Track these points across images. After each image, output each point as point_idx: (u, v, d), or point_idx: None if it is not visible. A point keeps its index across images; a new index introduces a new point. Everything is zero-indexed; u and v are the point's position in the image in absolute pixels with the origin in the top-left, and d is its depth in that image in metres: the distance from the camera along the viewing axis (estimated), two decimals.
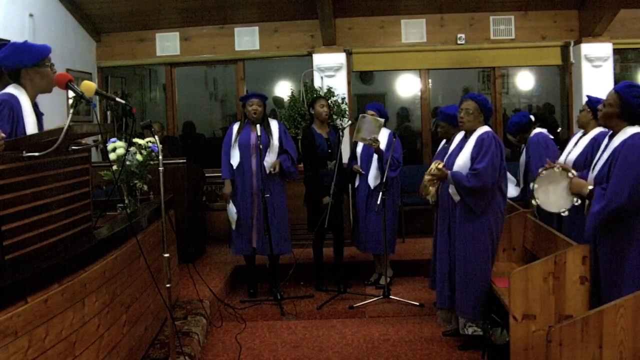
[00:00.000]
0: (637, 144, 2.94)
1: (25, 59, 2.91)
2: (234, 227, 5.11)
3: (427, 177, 4.00)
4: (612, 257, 3.08)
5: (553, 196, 3.36)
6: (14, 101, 2.84)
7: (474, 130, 3.91)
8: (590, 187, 3.12)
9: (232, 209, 5.08)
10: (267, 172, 4.96)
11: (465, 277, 3.88)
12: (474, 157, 3.83)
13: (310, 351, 4.10)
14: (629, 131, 3.01)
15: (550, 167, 3.38)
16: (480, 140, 3.84)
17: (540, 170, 3.44)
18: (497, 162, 3.78)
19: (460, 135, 4.13)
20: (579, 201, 3.25)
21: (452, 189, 3.92)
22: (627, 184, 2.91)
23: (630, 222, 3.01)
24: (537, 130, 4.82)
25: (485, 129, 3.91)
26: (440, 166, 3.96)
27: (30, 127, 2.88)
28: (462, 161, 3.88)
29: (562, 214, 3.37)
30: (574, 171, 3.37)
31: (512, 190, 4.68)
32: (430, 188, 4.03)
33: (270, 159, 5.00)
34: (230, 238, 5.31)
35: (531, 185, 3.46)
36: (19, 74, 2.93)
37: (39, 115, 3.04)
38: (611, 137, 3.17)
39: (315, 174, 5.19)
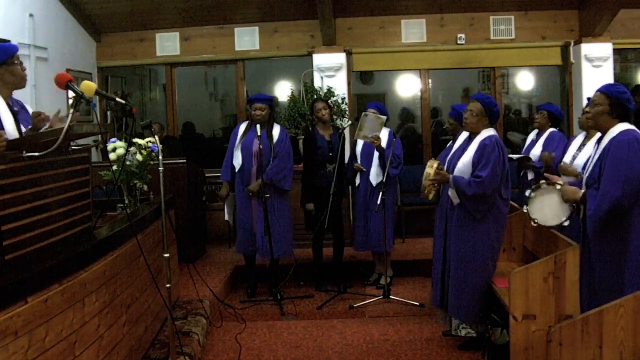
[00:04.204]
0: (624, 140, 2.99)
1: None
2: (231, 223, 5.31)
3: (426, 182, 3.97)
4: (610, 261, 3.09)
5: (548, 210, 3.41)
6: None
7: (478, 132, 3.87)
8: (582, 192, 3.16)
9: (226, 209, 5.25)
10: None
11: (458, 279, 3.85)
12: (475, 163, 3.79)
13: (310, 351, 4.10)
14: (617, 128, 3.07)
15: (536, 187, 3.45)
16: (483, 146, 3.78)
17: (527, 192, 3.49)
18: (499, 170, 3.73)
19: (464, 135, 4.10)
20: (574, 206, 3.30)
21: (452, 192, 3.89)
22: (620, 180, 2.95)
23: (624, 225, 3.03)
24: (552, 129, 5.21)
25: (488, 132, 3.85)
26: (435, 165, 3.92)
27: (8, 125, 2.89)
28: (463, 164, 3.85)
29: (564, 224, 3.39)
30: (560, 181, 3.42)
31: None
32: (431, 190, 4.03)
33: (270, 165, 4.99)
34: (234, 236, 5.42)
35: (524, 208, 3.51)
36: None
37: (15, 113, 3.06)
38: (599, 140, 3.22)
39: (310, 175, 5.19)
